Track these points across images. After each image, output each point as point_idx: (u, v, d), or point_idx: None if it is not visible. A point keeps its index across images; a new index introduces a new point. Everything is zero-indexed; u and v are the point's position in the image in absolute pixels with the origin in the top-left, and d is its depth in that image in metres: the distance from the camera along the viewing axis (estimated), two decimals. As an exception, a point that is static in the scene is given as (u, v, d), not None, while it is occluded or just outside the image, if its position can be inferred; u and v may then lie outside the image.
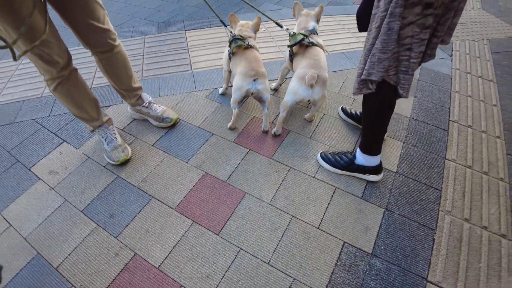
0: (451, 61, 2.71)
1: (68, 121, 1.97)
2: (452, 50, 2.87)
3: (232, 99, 1.74)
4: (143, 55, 2.54)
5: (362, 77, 1.22)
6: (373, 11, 1.12)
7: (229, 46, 1.76)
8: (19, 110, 2.08)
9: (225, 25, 1.83)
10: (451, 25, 1.12)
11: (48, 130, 1.92)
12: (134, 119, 1.96)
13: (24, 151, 1.80)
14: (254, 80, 1.65)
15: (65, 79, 1.42)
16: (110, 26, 1.49)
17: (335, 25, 3.06)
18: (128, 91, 1.75)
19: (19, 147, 1.82)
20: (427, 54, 1.20)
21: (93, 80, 2.31)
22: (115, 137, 1.69)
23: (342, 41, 2.79)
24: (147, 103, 1.85)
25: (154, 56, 2.53)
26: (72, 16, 1.33)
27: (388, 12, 1.03)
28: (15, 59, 0.98)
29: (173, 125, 1.91)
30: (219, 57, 2.50)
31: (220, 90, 2.13)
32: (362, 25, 1.23)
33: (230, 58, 1.80)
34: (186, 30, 2.90)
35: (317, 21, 1.90)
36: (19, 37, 1.01)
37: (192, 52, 2.56)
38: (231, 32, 1.81)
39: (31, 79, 2.37)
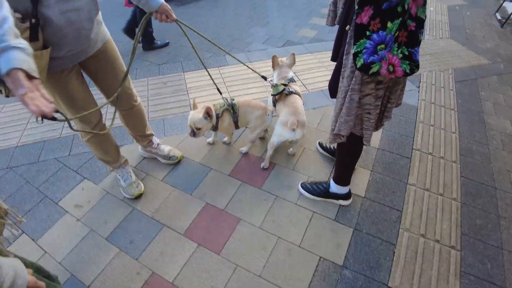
0: (418, 92, 3.09)
1: (86, 160, 2.28)
2: (420, 82, 3.25)
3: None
4: (147, 97, 2.90)
5: (334, 132, 1.58)
6: (339, 85, 1.47)
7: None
8: (41, 150, 2.39)
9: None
10: (401, 92, 1.50)
11: (70, 168, 2.23)
12: (144, 158, 2.29)
13: (51, 187, 2.10)
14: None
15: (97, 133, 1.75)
16: (134, 91, 1.85)
17: (315, 63, 3.46)
18: (142, 136, 2.10)
19: (46, 184, 2.13)
20: (385, 116, 1.55)
21: (105, 122, 2.63)
22: (130, 175, 2.02)
23: (321, 78, 3.17)
24: (156, 145, 2.20)
25: (157, 98, 2.90)
26: (106, 86, 1.70)
27: (350, 87, 1.39)
28: (72, 128, 1.35)
29: (178, 162, 2.25)
30: (213, 99, 2.85)
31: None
32: (333, 93, 1.60)
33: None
34: (184, 72, 3.28)
35: (292, 65, 2.29)
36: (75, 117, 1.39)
37: (191, 94, 2.93)
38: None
39: (48, 120, 2.67)
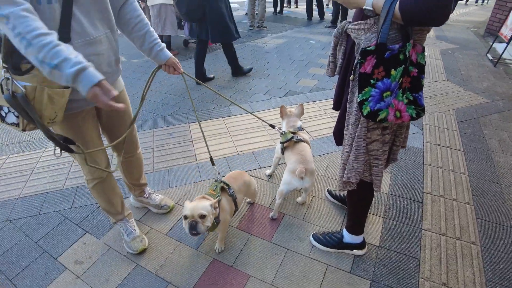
0: (422, 134, 3.10)
1: (89, 213, 2.21)
2: (423, 124, 3.28)
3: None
4: (152, 148, 2.91)
5: (344, 179, 1.55)
6: (345, 132, 1.47)
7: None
8: (43, 202, 2.33)
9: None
10: (406, 135, 1.50)
11: (72, 221, 2.16)
12: (149, 210, 2.22)
13: (50, 241, 2.01)
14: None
15: (103, 180, 1.74)
16: (137, 140, 1.89)
17: (317, 111, 3.53)
18: (135, 185, 2.10)
19: (46, 238, 2.03)
20: (391, 159, 1.55)
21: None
22: (134, 229, 1.95)
23: (325, 125, 3.22)
24: (148, 194, 2.18)
25: (162, 149, 2.90)
26: (112, 134, 1.74)
27: (356, 134, 1.39)
28: (88, 164, 1.43)
29: (170, 211, 2.20)
30: (219, 148, 2.87)
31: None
32: (338, 141, 1.60)
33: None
34: (189, 123, 3.33)
35: (300, 115, 2.32)
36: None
37: (196, 144, 2.95)
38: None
39: (52, 171, 2.65)
